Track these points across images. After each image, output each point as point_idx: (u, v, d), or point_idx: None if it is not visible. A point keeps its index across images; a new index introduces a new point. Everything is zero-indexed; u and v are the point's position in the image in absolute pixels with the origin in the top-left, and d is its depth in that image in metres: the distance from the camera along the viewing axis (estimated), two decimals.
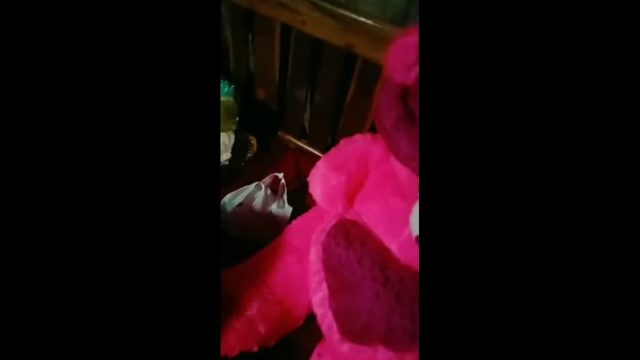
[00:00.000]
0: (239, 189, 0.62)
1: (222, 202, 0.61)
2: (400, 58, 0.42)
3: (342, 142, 0.51)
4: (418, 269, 0.41)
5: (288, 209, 0.63)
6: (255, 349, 0.46)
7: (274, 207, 0.62)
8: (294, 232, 0.55)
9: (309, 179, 0.51)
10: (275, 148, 0.75)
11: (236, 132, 0.70)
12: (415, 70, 0.41)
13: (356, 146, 0.50)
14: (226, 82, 0.70)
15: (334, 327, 0.42)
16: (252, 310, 0.47)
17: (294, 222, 0.58)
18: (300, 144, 0.76)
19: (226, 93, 0.69)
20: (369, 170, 0.48)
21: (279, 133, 0.77)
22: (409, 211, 0.41)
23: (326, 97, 0.70)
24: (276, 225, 0.60)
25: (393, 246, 0.42)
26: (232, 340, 0.45)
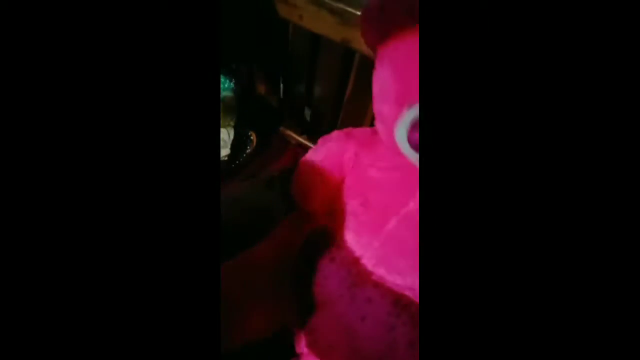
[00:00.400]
0: (232, 187, 0.62)
1: None
2: (372, 20, 0.40)
3: (320, 141, 0.50)
4: (389, 285, 0.40)
5: (283, 207, 0.62)
6: (252, 340, 0.46)
7: (269, 205, 0.61)
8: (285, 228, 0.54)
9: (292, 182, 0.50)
10: (276, 144, 0.75)
11: (236, 128, 0.70)
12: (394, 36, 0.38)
13: (330, 147, 0.48)
14: (226, 77, 0.69)
15: (303, 341, 0.41)
16: (246, 303, 0.47)
17: (287, 217, 0.57)
18: (300, 139, 0.74)
19: (226, 89, 0.68)
20: (345, 173, 0.47)
21: (280, 129, 0.77)
22: (379, 222, 0.40)
23: (325, 92, 0.69)
24: (271, 224, 0.60)
25: (364, 258, 0.41)
26: (233, 333, 0.45)
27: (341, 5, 0.57)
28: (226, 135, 0.69)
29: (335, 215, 0.45)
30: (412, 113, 0.35)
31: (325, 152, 0.47)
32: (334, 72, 0.66)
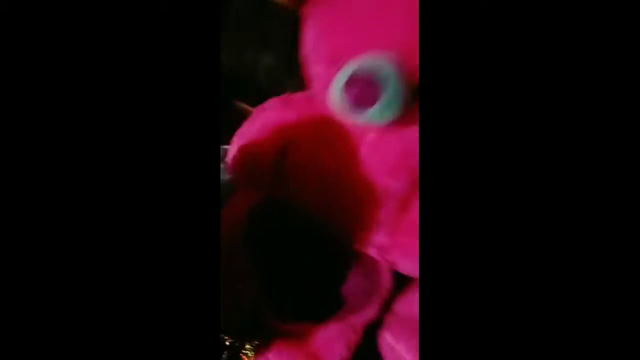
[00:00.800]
0: None
1: None
2: None
3: (255, 111, 0.48)
4: None
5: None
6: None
7: None
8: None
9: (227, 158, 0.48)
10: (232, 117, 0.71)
11: None
12: None
13: (267, 116, 0.46)
14: None
15: None
16: None
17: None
18: None
19: None
20: (283, 140, 0.45)
21: (235, 101, 0.73)
22: None
23: (278, 60, 0.66)
24: None
25: None
26: None
27: None
28: None
29: (280, 185, 0.43)
30: (347, 71, 0.33)
31: (263, 122, 0.45)
32: (284, 38, 0.63)
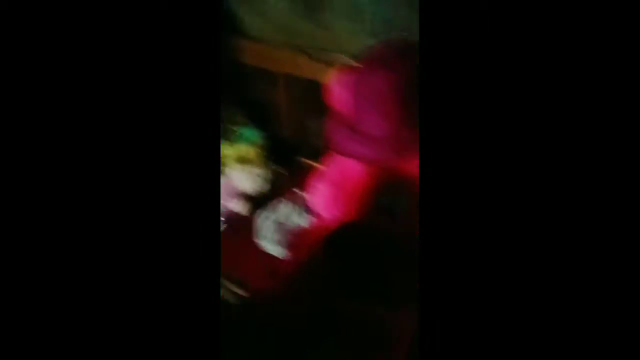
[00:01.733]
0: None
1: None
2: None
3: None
4: None
5: (308, 217, 0.73)
6: None
7: (294, 218, 0.74)
8: None
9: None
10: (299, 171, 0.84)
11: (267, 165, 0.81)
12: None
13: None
14: (248, 127, 0.80)
15: None
16: None
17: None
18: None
19: (248, 137, 0.79)
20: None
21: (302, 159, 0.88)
22: None
23: None
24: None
25: None
26: None
27: None
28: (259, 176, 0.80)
29: None
30: None
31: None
32: None
